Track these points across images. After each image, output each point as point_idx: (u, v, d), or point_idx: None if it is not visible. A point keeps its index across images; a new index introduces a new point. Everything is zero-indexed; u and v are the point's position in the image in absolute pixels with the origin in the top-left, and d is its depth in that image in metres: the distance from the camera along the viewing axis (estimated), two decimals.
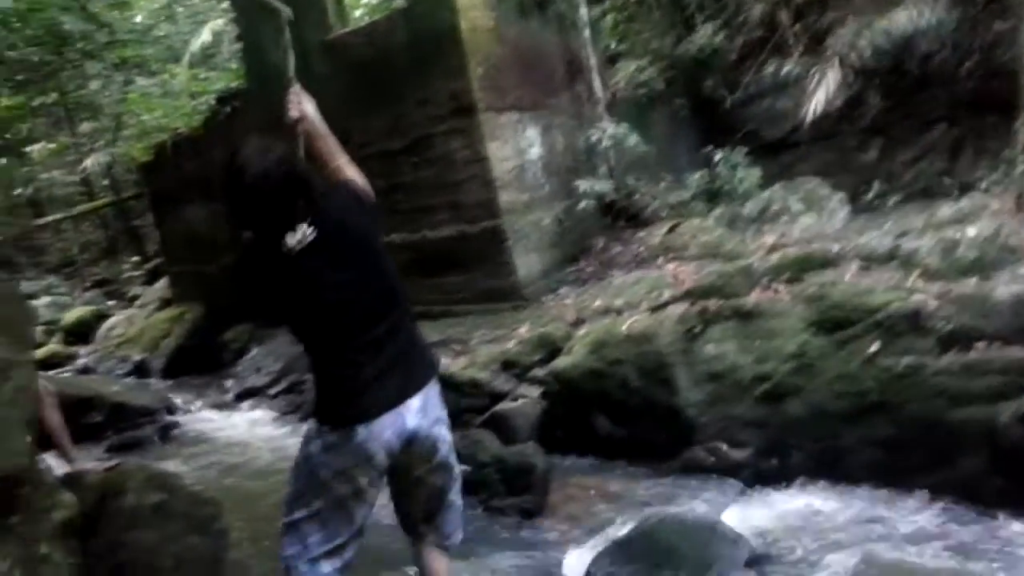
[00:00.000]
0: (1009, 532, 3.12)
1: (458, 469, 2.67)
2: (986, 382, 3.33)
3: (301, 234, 2.22)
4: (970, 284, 3.81)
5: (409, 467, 2.46)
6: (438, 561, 2.66)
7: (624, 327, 4.69)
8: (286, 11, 2.85)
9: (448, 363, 5.83)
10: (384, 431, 2.30)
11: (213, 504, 3.68)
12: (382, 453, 2.32)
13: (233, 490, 4.89)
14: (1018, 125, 5.82)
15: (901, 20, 7.32)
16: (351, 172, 2.48)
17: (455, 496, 2.65)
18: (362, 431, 2.27)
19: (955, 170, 7.35)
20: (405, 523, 2.67)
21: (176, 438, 6.68)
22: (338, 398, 2.35)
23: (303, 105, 2.50)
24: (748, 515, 3.63)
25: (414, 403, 2.35)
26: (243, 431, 6.46)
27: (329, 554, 2.40)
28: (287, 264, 2.23)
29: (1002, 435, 3.18)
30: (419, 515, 2.60)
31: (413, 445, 2.37)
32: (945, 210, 4.77)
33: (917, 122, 8.10)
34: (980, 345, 3.47)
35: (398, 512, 2.68)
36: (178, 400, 7.56)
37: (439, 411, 2.49)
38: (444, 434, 2.51)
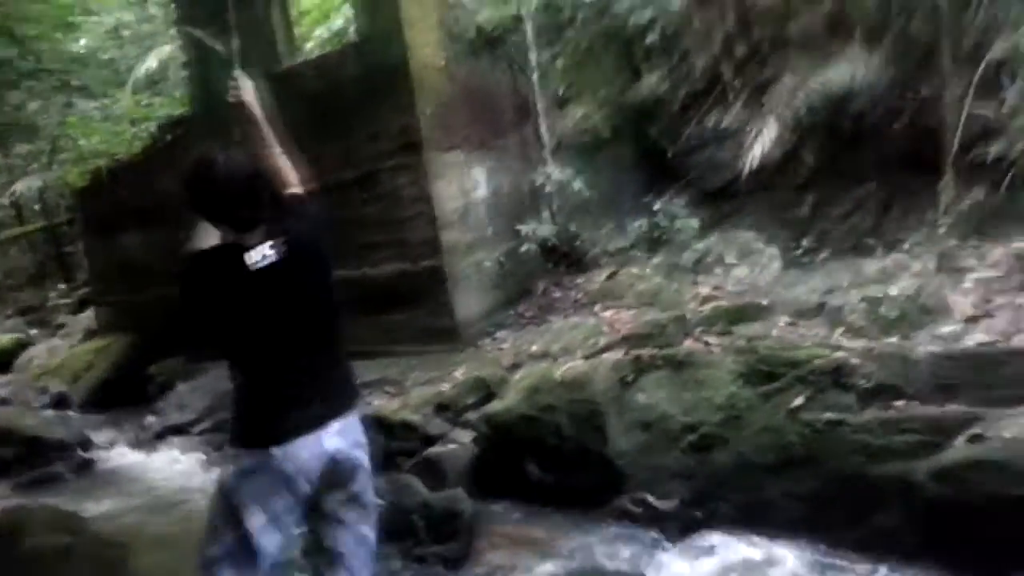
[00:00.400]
0: None
1: (375, 503, 2.60)
2: (904, 439, 3.39)
3: (262, 253, 2.26)
4: (892, 342, 3.91)
5: (324, 499, 2.41)
6: None
7: (559, 373, 4.68)
8: (221, 50, 2.82)
9: (381, 404, 5.74)
10: (301, 452, 2.27)
11: (121, 546, 3.54)
12: (300, 477, 2.29)
13: (147, 531, 4.66)
14: (941, 187, 6.06)
15: (835, 79, 7.60)
16: (291, 175, 2.55)
17: (369, 532, 2.56)
18: (278, 452, 2.25)
19: (883, 228, 7.60)
20: (314, 568, 2.56)
21: (91, 475, 6.39)
22: (258, 420, 2.33)
23: (244, 91, 2.59)
24: (671, 567, 3.63)
25: (334, 426, 2.35)
26: (163, 470, 6.22)
27: None
28: (243, 279, 2.25)
29: (918, 492, 3.24)
30: (328, 555, 2.49)
31: (332, 469, 2.34)
32: (871, 268, 4.93)
33: (848, 179, 8.37)
34: (899, 403, 3.54)
35: (309, 559, 2.60)
36: (97, 436, 7.25)
37: (359, 436, 2.48)
38: (363, 460, 2.48)
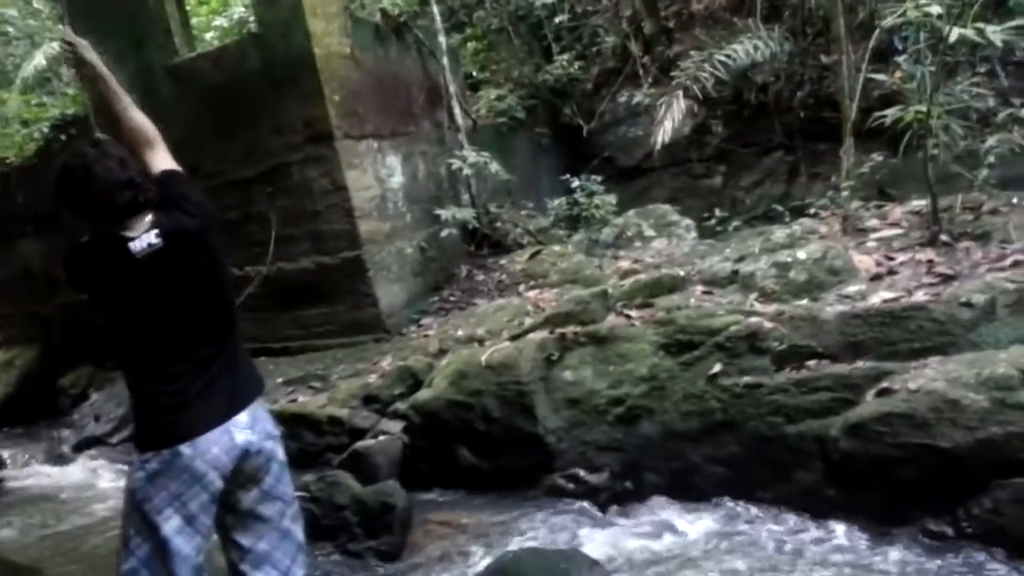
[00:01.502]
0: (841, 539, 3.30)
1: (293, 495, 2.53)
2: (818, 397, 3.52)
3: (147, 240, 2.21)
4: (802, 304, 4.04)
5: (239, 497, 2.35)
6: None
7: (485, 356, 4.67)
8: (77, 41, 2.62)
9: (307, 400, 5.63)
10: (211, 448, 2.22)
11: (33, 572, 3.37)
12: (212, 473, 2.23)
13: (59, 552, 4.47)
14: (843, 152, 6.29)
15: (739, 53, 7.80)
16: (150, 129, 2.44)
17: (292, 526, 2.48)
18: (187, 451, 2.19)
19: (791, 195, 7.88)
20: (238, 571, 2.44)
21: (3, 495, 6.08)
22: (160, 419, 2.24)
23: (79, 50, 2.49)
24: (605, 540, 3.68)
25: (241, 418, 2.30)
26: (81, 484, 5.96)
27: None
28: (127, 269, 2.20)
29: (832, 448, 3.37)
30: (251, 555, 2.40)
31: (244, 463, 2.30)
32: (779, 234, 5.06)
33: (757, 149, 8.65)
34: (812, 363, 3.67)
35: (229, 560, 2.47)
36: (6, 454, 6.90)
37: (269, 427, 2.43)
38: (277, 451, 2.43)
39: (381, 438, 4.84)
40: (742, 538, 3.50)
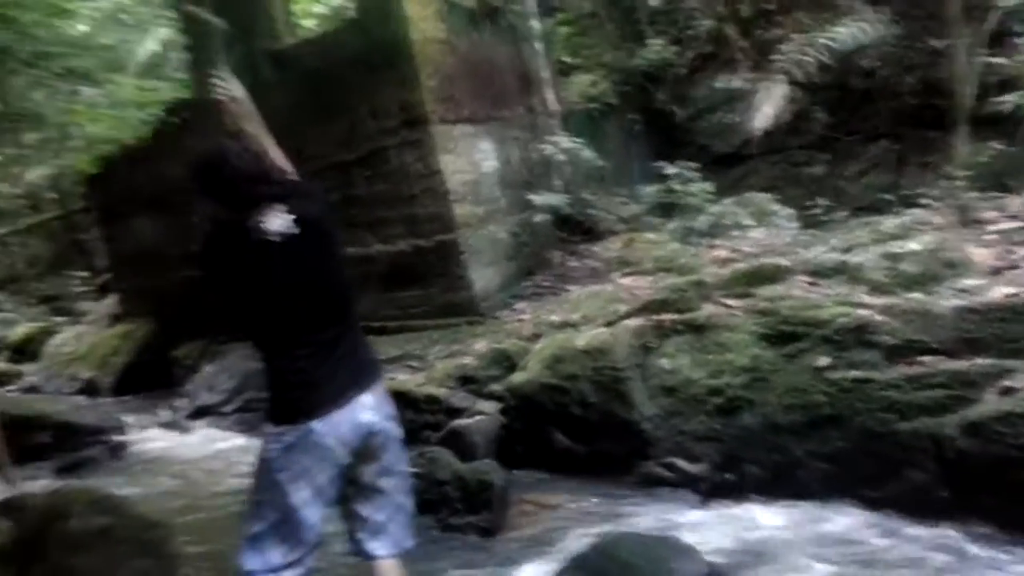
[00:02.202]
0: (955, 542, 3.20)
1: (407, 471, 2.71)
2: (932, 394, 3.41)
3: (284, 226, 2.33)
4: (914, 297, 3.92)
5: (361, 471, 2.50)
6: (393, 572, 2.64)
7: (580, 341, 4.71)
8: (215, 22, 2.86)
9: (405, 379, 5.80)
10: (340, 425, 2.36)
11: (162, 527, 3.61)
12: (340, 448, 2.38)
13: (184, 511, 4.77)
14: (957, 140, 6.02)
15: (844, 36, 7.52)
16: (283, 165, 2.63)
17: (405, 499, 2.66)
18: (319, 427, 2.33)
19: (899, 184, 7.56)
20: (354, 538, 2.63)
21: (126, 458, 6.50)
22: (293, 396, 2.38)
23: (229, 88, 2.70)
24: (704, 529, 3.67)
25: (366, 399, 2.43)
26: (195, 450, 6.32)
27: (290, 565, 2.41)
28: (266, 252, 2.31)
29: (947, 447, 3.27)
30: (369, 525, 2.58)
31: (368, 440, 2.44)
32: (889, 224, 4.90)
33: (862, 137, 8.33)
34: (926, 358, 3.56)
35: (347, 526, 2.65)
36: (128, 419, 7.36)
37: (389, 408, 2.57)
38: (396, 431, 2.60)
39: (478, 418, 4.96)
40: (846, 537, 3.43)
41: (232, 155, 2.39)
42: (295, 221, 2.35)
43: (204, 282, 2.58)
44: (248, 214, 2.34)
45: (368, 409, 2.43)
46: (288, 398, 2.39)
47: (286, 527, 2.39)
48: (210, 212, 2.45)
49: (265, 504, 2.41)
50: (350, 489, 2.55)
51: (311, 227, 2.38)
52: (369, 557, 2.60)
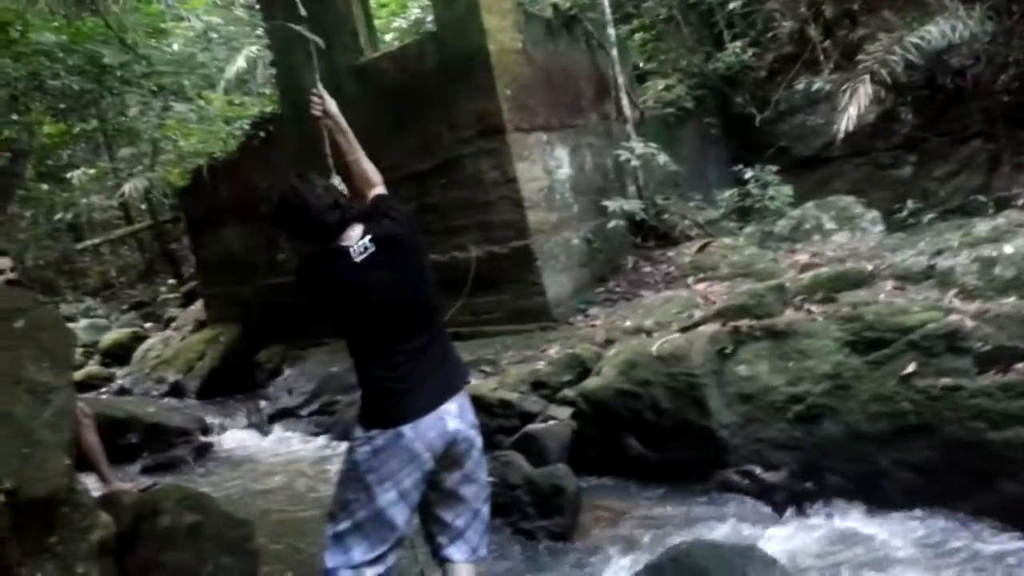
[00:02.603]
0: None
1: (487, 479, 2.79)
2: None
3: (363, 245, 2.50)
4: (1008, 302, 3.73)
5: (443, 477, 2.59)
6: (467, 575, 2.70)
7: (654, 347, 4.65)
8: (317, 41, 3.06)
9: (478, 383, 5.84)
10: (428, 431, 2.48)
11: (246, 525, 3.71)
12: (427, 453, 2.49)
13: (265, 510, 4.92)
14: None
15: (933, 34, 7.25)
16: (374, 175, 2.81)
17: (483, 507, 2.74)
18: (408, 431, 2.45)
19: (991, 186, 7.23)
20: (433, 541, 2.71)
21: (210, 459, 6.74)
22: (385, 401, 2.51)
23: (326, 104, 2.88)
24: (783, 539, 3.57)
25: (452, 407, 2.55)
26: (276, 451, 6.51)
27: (371, 563, 2.50)
28: (351, 271, 2.49)
29: None
30: (448, 530, 2.67)
31: (453, 447, 2.55)
32: (981, 227, 4.67)
33: (952, 138, 8.01)
34: (1020, 365, 3.38)
35: (426, 530, 2.74)
36: (213, 421, 7.63)
37: (473, 417, 2.68)
38: (478, 440, 2.70)
39: (550, 422, 4.96)
40: (934, 550, 3.29)
41: (306, 193, 2.55)
42: (372, 240, 2.50)
43: (308, 306, 2.74)
44: (330, 242, 2.54)
45: (454, 417, 2.54)
46: (381, 404, 2.52)
47: (371, 525, 2.50)
48: (297, 245, 2.59)
49: (352, 503, 2.52)
50: (432, 494, 2.64)
51: (387, 244, 2.52)
52: (446, 560, 2.69)
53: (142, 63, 7.49)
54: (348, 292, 2.52)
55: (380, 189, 2.79)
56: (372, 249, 2.49)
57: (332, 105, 2.89)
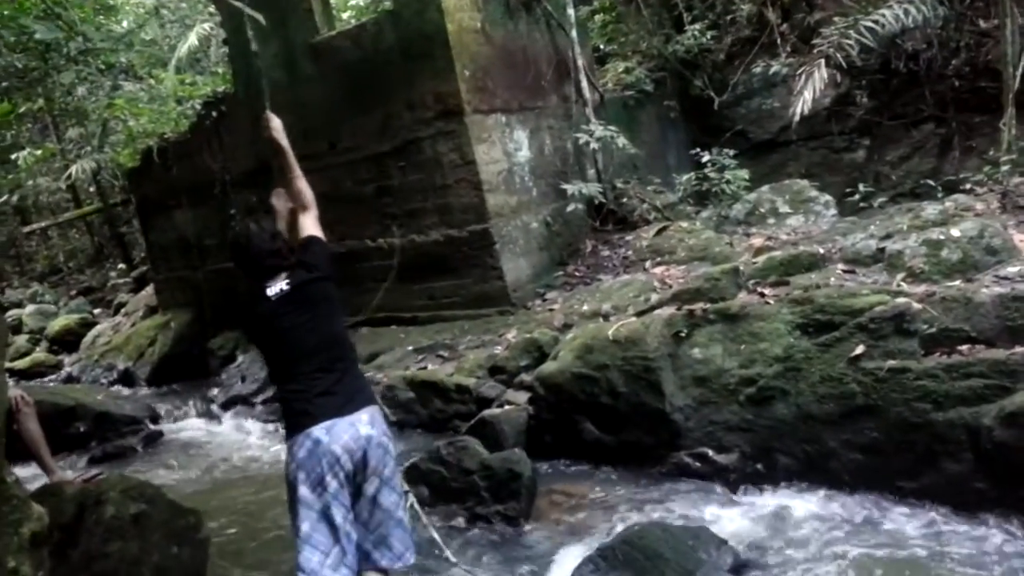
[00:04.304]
0: (992, 534, 3.10)
1: (402, 490, 3.02)
2: (970, 384, 3.31)
3: (280, 286, 2.91)
4: (954, 286, 3.79)
5: (364, 487, 2.78)
6: None
7: (610, 331, 4.66)
8: (258, 18, 3.02)
9: (436, 369, 5.82)
10: (342, 435, 2.71)
11: (194, 514, 3.65)
12: (345, 456, 2.70)
13: (217, 498, 4.84)
14: (1003, 124, 5.82)
15: (888, 18, 7.32)
16: (308, 198, 3.13)
17: (403, 514, 2.89)
18: (323, 436, 2.69)
19: (942, 170, 7.37)
20: (359, 549, 2.79)
21: (161, 447, 6.62)
22: (299, 407, 2.80)
23: (273, 127, 3.22)
24: (733, 520, 3.62)
25: (363, 416, 2.80)
26: (228, 439, 6.41)
27: (336, 565, 2.67)
28: (268, 306, 2.91)
29: (986, 437, 3.16)
30: (373, 538, 2.80)
31: (369, 453, 2.75)
32: (930, 211, 4.75)
33: (905, 121, 8.13)
34: (964, 347, 3.45)
35: (356, 540, 2.80)
36: (163, 409, 7.50)
37: (386, 428, 2.90)
38: (392, 450, 2.88)
39: (507, 407, 4.95)
40: (880, 528, 3.36)
41: (254, 237, 3.00)
42: (290, 286, 2.91)
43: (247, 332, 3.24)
44: (262, 281, 2.95)
45: (366, 424, 2.78)
46: (296, 411, 2.81)
47: (324, 526, 2.69)
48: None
49: (299, 511, 2.70)
50: (357, 502, 2.80)
51: (302, 290, 2.92)
52: (374, 568, 2.81)
53: (78, 40, 7.22)
54: (269, 328, 2.91)
55: (312, 225, 3.09)
56: (285, 292, 2.90)
57: (278, 127, 3.21)
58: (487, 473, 4.14)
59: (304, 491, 2.69)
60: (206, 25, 12.14)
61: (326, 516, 2.68)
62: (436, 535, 3.66)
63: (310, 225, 3.13)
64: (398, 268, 7.44)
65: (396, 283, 7.54)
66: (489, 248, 6.98)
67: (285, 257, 3.01)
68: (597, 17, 10.75)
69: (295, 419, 2.80)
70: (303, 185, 3.16)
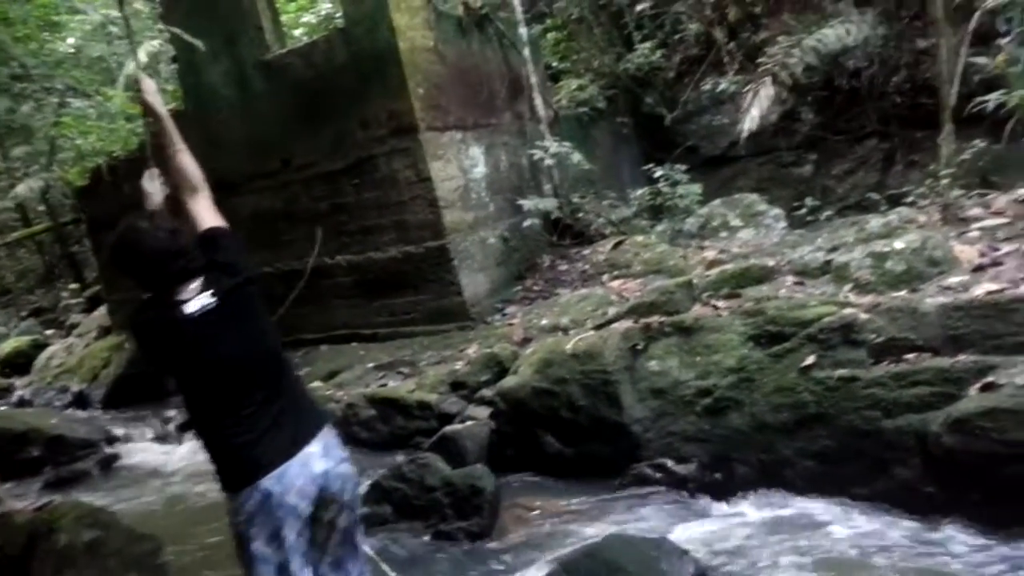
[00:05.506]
0: (943, 538, 3.21)
1: (359, 511, 2.66)
2: (917, 391, 3.42)
3: (202, 301, 2.32)
4: (899, 296, 3.93)
5: (321, 514, 2.44)
6: None
7: (569, 345, 4.71)
8: (197, 44, 2.89)
9: (396, 386, 5.80)
10: (295, 481, 2.32)
11: (152, 539, 3.60)
12: (303, 503, 2.35)
13: (175, 523, 4.75)
14: (942, 139, 6.05)
15: (830, 37, 7.58)
16: (197, 176, 2.55)
17: (360, 538, 2.64)
18: (275, 487, 2.29)
19: (886, 183, 7.62)
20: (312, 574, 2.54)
21: (117, 471, 6.46)
22: (240, 456, 2.33)
23: (146, 90, 2.69)
24: (693, 529, 3.68)
25: (314, 448, 2.40)
26: (185, 462, 6.27)
27: None
28: (187, 328, 2.30)
29: (933, 443, 3.28)
30: (329, 560, 2.53)
31: (325, 487, 2.40)
32: (875, 223, 4.92)
33: (849, 137, 8.39)
34: (911, 356, 3.57)
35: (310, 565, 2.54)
36: (119, 432, 7.32)
37: (341, 452, 2.52)
38: (351, 472, 2.55)
39: (469, 423, 4.96)
40: (836, 534, 3.44)
41: (147, 236, 2.35)
42: (212, 294, 2.34)
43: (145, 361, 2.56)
44: (166, 292, 2.34)
45: (320, 457, 2.40)
46: (237, 460, 2.34)
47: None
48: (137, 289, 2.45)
49: (255, 567, 2.37)
50: (314, 527, 2.48)
51: (228, 297, 2.36)
52: None
53: (13, 65, 7.09)
54: (185, 349, 2.32)
55: (209, 212, 2.53)
56: (211, 304, 2.32)
57: (152, 91, 2.69)
58: (450, 489, 4.14)
59: (257, 546, 2.33)
60: (155, 42, 11.97)
61: (284, 570, 2.35)
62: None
63: (207, 213, 2.53)
64: (357, 285, 7.43)
65: (356, 300, 7.52)
66: (447, 264, 7.01)
67: (193, 259, 2.37)
68: (549, 35, 10.91)
69: (237, 470, 2.33)
70: (187, 160, 2.57)
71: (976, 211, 4.96)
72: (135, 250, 2.35)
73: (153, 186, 2.69)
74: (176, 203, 2.55)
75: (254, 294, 2.48)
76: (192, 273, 2.34)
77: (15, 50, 7.62)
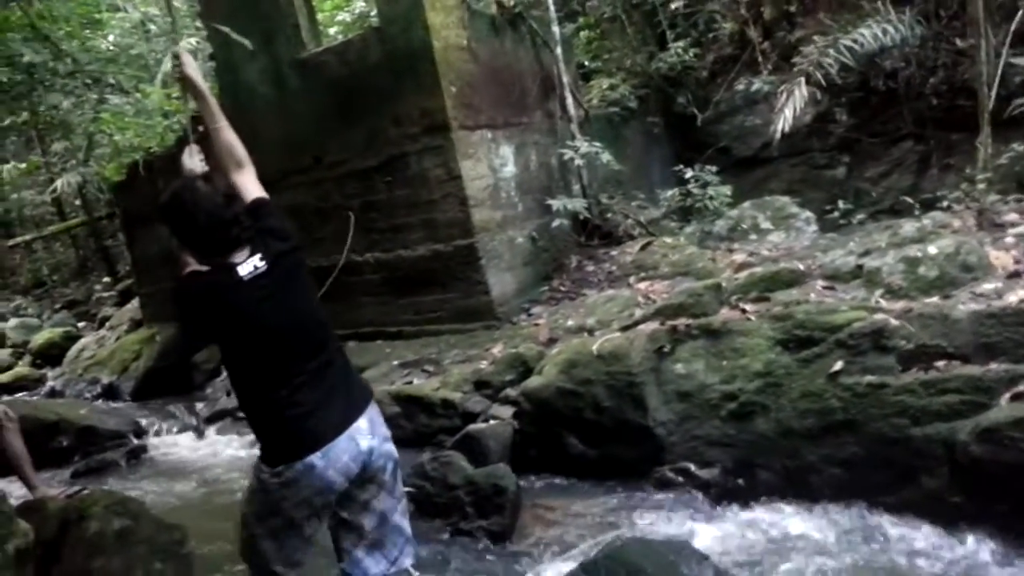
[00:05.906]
0: (969, 549, 3.15)
1: (403, 490, 2.65)
2: (947, 400, 3.37)
3: (253, 264, 2.32)
4: (931, 302, 3.86)
5: (358, 493, 2.47)
6: None
7: (595, 346, 4.69)
8: (241, 41, 2.90)
9: (421, 383, 5.83)
10: (341, 457, 2.33)
11: (179, 529, 3.65)
12: (341, 479, 2.36)
13: (201, 514, 4.82)
14: (979, 142, 5.92)
15: (866, 37, 7.46)
16: (241, 152, 2.57)
17: (400, 519, 2.61)
18: (320, 462, 2.29)
19: (920, 187, 7.49)
20: (352, 557, 2.57)
21: (145, 462, 6.57)
22: (290, 429, 2.32)
23: (186, 66, 2.67)
24: (715, 534, 3.64)
25: (362, 424, 2.40)
26: (212, 454, 6.38)
27: (289, 564, 2.47)
28: (241, 293, 2.30)
29: (961, 452, 3.22)
30: (365, 543, 2.54)
31: (368, 465, 2.41)
32: (908, 227, 4.84)
33: (884, 139, 8.25)
34: (941, 363, 3.51)
35: (339, 546, 2.60)
36: (147, 423, 7.45)
37: (385, 429, 2.54)
38: (394, 451, 2.55)
39: (492, 422, 4.96)
40: (859, 543, 3.39)
41: (205, 197, 2.34)
42: (261, 258, 2.34)
43: (181, 325, 2.61)
44: (219, 259, 2.34)
45: (366, 435, 2.39)
46: (283, 434, 2.33)
47: (283, 538, 2.44)
48: (182, 251, 2.48)
49: (266, 517, 2.44)
50: (348, 505, 2.51)
51: (277, 261, 2.37)
52: (363, 575, 2.56)
53: (67, 61, 7.24)
54: (238, 317, 2.30)
55: (254, 185, 2.53)
56: (262, 270, 2.31)
57: (192, 67, 2.69)
58: (472, 488, 4.15)
59: (286, 508, 2.36)
60: (192, 40, 12.15)
61: (296, 526, 2.40)
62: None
63: (252, 186, 2.53)
64: (384, 283, 7.48)
65: (383, 297, 7.58)
66: (475, 263, 7.02)
67: (246, 227, 2.36)
68: (582, 34, 10.87)
69: (284, 443, 2.32)
70: (231, 135, 2.58)
71: (1013, 216, 4.86)
72: (191, 209, 2.32)
73: (193, 162, 2.67)
74: (212, 176, 2.53)
75: (302, 262, 2.48)
76: (244, 242, 2.34)
77: (66, 46, 7.78)
